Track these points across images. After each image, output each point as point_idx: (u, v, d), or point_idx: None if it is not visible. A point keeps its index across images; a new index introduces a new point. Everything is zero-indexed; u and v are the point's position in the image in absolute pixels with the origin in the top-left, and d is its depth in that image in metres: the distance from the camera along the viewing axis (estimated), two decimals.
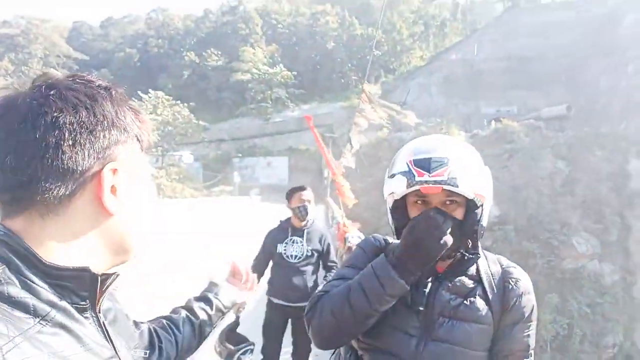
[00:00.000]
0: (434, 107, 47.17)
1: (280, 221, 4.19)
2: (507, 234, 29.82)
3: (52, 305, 0.61)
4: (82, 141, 0.66)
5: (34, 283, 0.61)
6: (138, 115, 0.76)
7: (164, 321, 1.18)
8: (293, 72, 70.10)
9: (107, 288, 0.72)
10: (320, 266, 4.14)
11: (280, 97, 68.47)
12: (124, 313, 0.87)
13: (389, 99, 37.80)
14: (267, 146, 67.46)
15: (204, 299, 1.29)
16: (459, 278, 1.40)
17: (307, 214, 3.84)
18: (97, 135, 0.67)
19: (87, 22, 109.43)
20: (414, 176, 1.30)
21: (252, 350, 3.29)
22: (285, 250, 3.85)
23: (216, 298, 1.29)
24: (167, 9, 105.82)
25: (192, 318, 1.22)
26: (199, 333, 1.22)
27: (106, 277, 0.71)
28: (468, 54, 58.02)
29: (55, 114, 0.65)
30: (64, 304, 0.63)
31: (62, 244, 0.66)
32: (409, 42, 72.00)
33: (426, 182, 1.30)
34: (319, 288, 1.48)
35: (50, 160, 0.64)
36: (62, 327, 0.62)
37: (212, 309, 1.27)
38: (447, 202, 1.35)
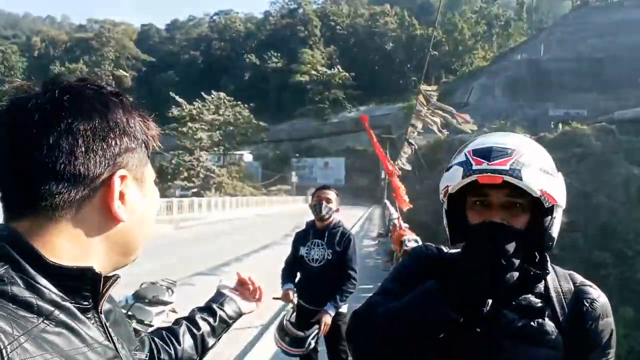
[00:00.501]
0: (498, 108, 45.70)
1: (307, 222, 3.90)
2: (576, 242, 28.33)
3: (56, 305, 0.62)
4: (94, 148, 0.67)
5: (37, 283, 0.62)
6: (146, 122, 0.77)
7: (164, 332, 1.16)
8: (351, 74, 70.19)
9: (108, 289, 0.73)
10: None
11: (338, 98, 68.74)
12: (124, 316, 0.87)
13: (449, 100, 36.95)
14: (324, 147, 67.98)
15: (207, 309, 1.26)
16: (525, 296, 1.23)
17: (320, 212, 3.55)
18: (110, 142, 0.68)
19: (155, 25, 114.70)
20: (471, 165, 1.13)
21: (318, 335, 3.40)
22: (307, 253, 3.63)
23: (220, 309, 1.26)
24: (230, 11, 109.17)
25: (193, 329, 1.19)
26: (201, 344, 1.19)
27: (108, 278, 0.73)
28: (534, 54, 55.76)
29: (69, 120, 0.66)
30: (67, 304, 0.64)
31: (67, 247, 0.67)
32: (471, 43, 70.12)
33: (484, 170, 1.11)
34: (362, 305, 1.34)
35: (62, 166, 0.64)
36: (66, 326, 0.63)
37: (215, 320, 1.23)
38: (510, 205, 1.15)
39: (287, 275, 3.80)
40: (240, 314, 1.30)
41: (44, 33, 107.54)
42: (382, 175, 42.19)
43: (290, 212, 37.94)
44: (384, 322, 1.23)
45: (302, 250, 3.67)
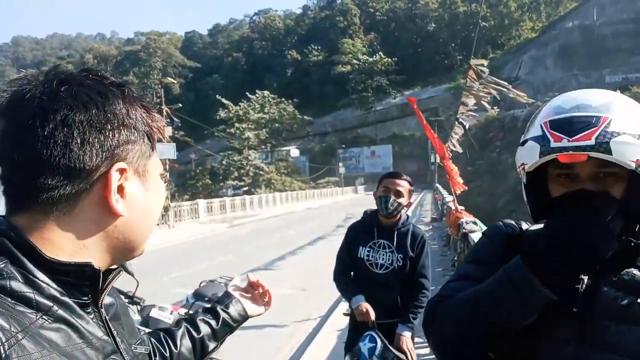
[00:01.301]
0: (550, 80, 43.65)
1: (365, 213, 3.09)
2: None
3: (54, 300, 0.62)
4: (91, 140, 0.65)
5: (36, 278, 0.62)
6: (150, 113, 0.75)
7: (161, 334, 1.11)
8: (393, 59, 68.92)
9: (109, 284, 0.73)
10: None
11: (382, 85, 67.84)
12: (126, 309, 0.86)
13: (497, 75, 35.65)
14: (370, 135, 67.42)
15: (211, 311, 1.20)
16: (627, 270, 1.04)
17: (387, 207, 2.82)
18: (107, 134, 0.67)
19: (198, 31, 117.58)
20: (549, 142, 0.97)
21: (372, 336, 2.75)
22: (369, 256, 2.90)
23: (224, 311, 1.19)
24: (268, 10, 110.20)
25: (193, 332, 1.13)
26: (200, 348, 1.13)
27: (109, 272, 0.72)
28: (587, 19, 52.70)
29: (65, 112, 0.65)
30: (65, 299, 0.64)
31: (65, 242, 0.66)
32: (517, 15, 67.19)
33: (565, 148, 0.95)
34: (437, 292, 1.19)
35: (57, 159, 0.63)
36: (65, 322, 0.62)
37: (218, 322, 1.17)
38: (602, 175, 0.97)
39: (351, 282, 3.02)
40: (246, 317, 1.23)
41: (95, 50, 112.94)
42: (432, 160, 41.40)
43: (340, 203, 38.01)
44: (466, 308, 1.09)
45: (363, 252, 2.92)
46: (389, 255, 2.91)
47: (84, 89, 0.68)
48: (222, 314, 1.18)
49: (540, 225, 1.08)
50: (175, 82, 78.97)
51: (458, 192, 8.59)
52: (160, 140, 0.78)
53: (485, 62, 8.68)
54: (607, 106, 0.97)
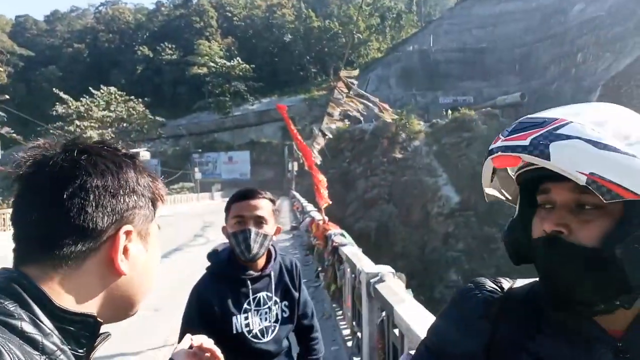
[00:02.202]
0: (393, 98, 47.61)
1: (214, 258, 2.09)
2: (468, 220, 30.59)
3: (57, 346, 0.65)
4: (104, 204, 0.71)
5: (42, 323, 0.65)
6: (155, 182, 0.82)
7: None
8: (251, 65, 69.17)
9: (100, 344, 0.76)
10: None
11: (240, 91, 67.45)
12: None
13: None
14: (227, 140, 66.39)
15: None
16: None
17: (249, 249, 1.89)
18: (119, 199, 0.73)
19: (32, 16, 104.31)
20: (490, 145, 0.83)
21: None
22: (248, 324, 1.96)
23: None
24: (117, 1, 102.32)
25: None
26: None
27: (99, 334, 0.75)
28: (424, 45, 58.81)
29: (84, 177, 0.70)
30: (66, 348, 0.67)
31: (69, 295, 0.70)
32: (365, 35, 72.32)
33: (497, 149, 0.79)
34: None
35: (72, 220, 0.69)
36: None
37: None
38: (586, 208, 0.77)
39: None
40: None
41: None
42: (289, 167, 42.29)
43: (196, 210, 36.74)
44: None
45: (239, 322, 1.93)
46: (273, 310, 2.01)
47: (101, 158, 0.73)
48: None
49: (526, 281, 0.92)
50: (1, 69, 69.02)
51: (323, 206, 8.75)
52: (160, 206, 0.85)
53: (355, 73, 9.01)
54: (579, 111, 0.79)
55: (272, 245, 2.04)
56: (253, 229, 1.89)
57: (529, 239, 0.83)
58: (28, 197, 0.71)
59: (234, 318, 1.93)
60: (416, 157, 35.91)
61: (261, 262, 2.00)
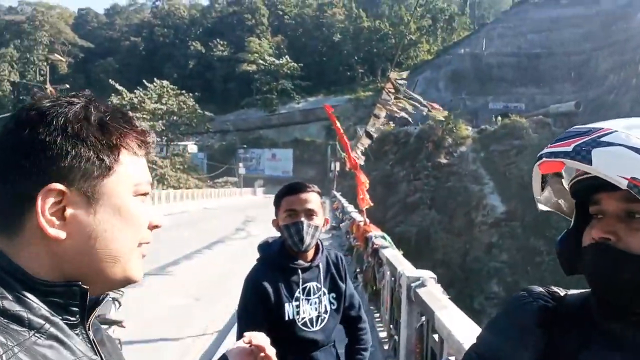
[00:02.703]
0: (441, 101, 46.57)
1: (264, 250, 2.20)
2: (514, 231, 29.71)
3: (46, 319, 0.62)
4: (19, 160, 0.64)
5: (26, 298, 0.62)
6: (106, 128, 0.70)
7: None
8: (299, 64, 69.83)
9: (94, 307, 0.72)
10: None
11: (286, 89, 68.21)
12: (113, 340, 0.86)
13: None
14: (272, 138, 67.24)
15: None
16: None
17: (302, 240, 1.99)
18: (37, 154, 0.64)
19: (93, 9, 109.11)
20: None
21: None
22: (299, 312, 2.04)
23: None
24: None
25: None
26: None
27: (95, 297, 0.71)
28: (476, 48, 57.59)
29: (6, 133, 0.66)
30: (56, 319, 0.64)
31: (35, 266, 0.65)
32: (416, 36, 71.50)
33: (543, 154, 0.82)
34: None
35: (3, 180, 0.64)
36: (57, 340, 0.62)
37: None
38: (636, 217, 0.77)
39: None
40: None
41: None
42: (332, 167, 42.37)
43: (239, 204, 37.43)
44: None
45: (290, 310, 2.01)
46: (322, 301, 2.10)
47: (33, 111, 0.66)
48: None
49: (576, 291, 0.91)
50: (63, 60, 72.35)
51: (364, 207, 8.74)
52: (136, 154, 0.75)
53: (405, 75, 8.92)
54: (628, 124, 0.79)
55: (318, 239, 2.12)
56: (305, 221, 1.97)
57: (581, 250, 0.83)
58: None
59: (286, 305, 2.01)
60: (462, 163, 35.20)
61: (310, 253, 2.09)
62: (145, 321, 5.90)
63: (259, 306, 1.98)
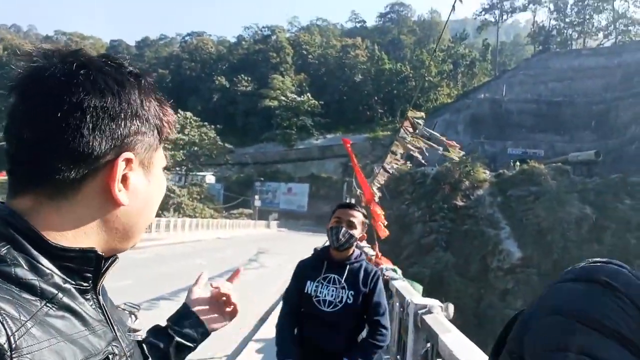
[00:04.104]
0: (459, 144, 47.01)
1: (316, 250, 3.00)
2: (530, 277, 29.10)
3: (58, 287, 0.62)
4: (102, 127, 0.64)
5: (40, 264, 0.61)
6: (163, 107, 0.75)
7: None
8: (320, 102, 71.11)
9: (107, 270, 0.73)
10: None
11: (306, 125, 69.24)
12: (113, 303, 0.85)
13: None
14: (289, 172, 67.91)
15: (163, 333, 1.06)
16: None
17: (338, 238, 2.62)
18: (119, 123, 0.66)
19: (125, 41, 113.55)
20: None
21: None
22: (316, 291, 2.64)
23: (179, 332, 1.05)
24: (202, 33, 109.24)
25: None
26: None
27: (106, 260, 0.72)
28: (496, 94, 58.02)
29: (81, 96, 0.64)
30: (68, 286, 0.63)
31: (66, 227, 0.65)
32: (436, 80, 72.46)
33: None
34: None
35: (67, 142, 0.63)
36: (68, 309, 0.62)
37: (169, 345, 1.03)
38: None
39: (286, 336, 2.70)
40: (207, 334, 1.09)
41: (7, 41, 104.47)
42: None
43: (252, 236, 37.50)
44: None
45: (310, 287, 2.66)
46: (339, 292, 2.63)
47: (102, 75, 0.67)
48: (177, 338, 1.04)
49: None
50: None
51: (382, 236, 8.79)
52: (167, 136, 0.78)
53: (422, 115, 9.10)
54: None
55: (361, 251, 2.84)
56: (344, 228, 2.65)
57: None
58: (21, 113, 0.65)
59: (308, 282, 2.69)
60: (479, 206, 34.93)
61: (345, 255, 2.72)
62: None
63: (294, 280, 2.78)
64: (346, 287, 2.63)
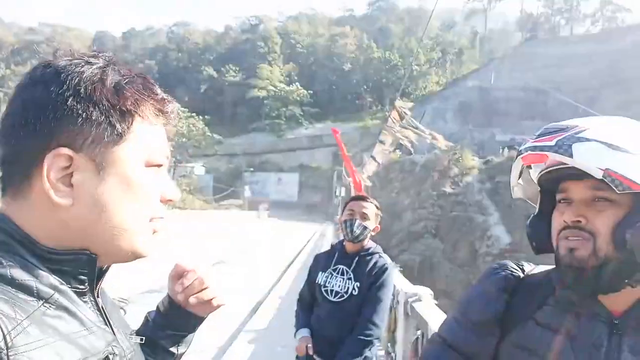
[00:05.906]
0: (448, 131, 47.04)
1: (332, 244, 3.05)
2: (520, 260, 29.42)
3: (54, 288, 0.60)
4: (30, 120, 0.60)
5: (35, 266, 0.60)
6: (121, 92, 0.65)
7: None
8: (309, 91, 70.81)
9: (105, 272, 0.71)
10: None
11: (295, 115, 68.95)
12: (116, 305, 0.83)
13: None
14: (278, 162, 67.77)
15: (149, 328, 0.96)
16: None
17: (352, 231, 2.66)
18: (47, 114, 0.60)
19: (110, 32, 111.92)
20: (521, 145, 0.96)
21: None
22: (325, 281, 2.74)
23: (161, 329, 0.95)
24: (189, 23, 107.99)
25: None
26: None
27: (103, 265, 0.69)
28: (485, 82, 58.15)
29: (20, 92, 0.62)
30: (64, 287, 0.62)
31: (41, 230, 0.62)
32: (425, 68, 72.42)
33: (527, 149, 0.92)
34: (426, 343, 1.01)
35: (10, 141, 0.61)
36: (66, 310, 0.60)
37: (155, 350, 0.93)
38: (596, 200, 0.88)
39: (303, 314, 2.87)
40: (197, 324, 0.96)
41: None
42: (337, 192, 42.45)
43: (244, 228, 37.44)
44: None
45: (321, 277, 2.78)
46: (346, 283, 2.70)
47: (50, 67, 0.63)
48: (160, 342, 0.93)
49: (544, 268, 1.04)
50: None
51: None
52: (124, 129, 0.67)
53: (409, 105, 9.08)
54: (596, 122, 0.92)
55: (375, 244, 2.84)
56: (358, 219, 2.68)
57: (549, 232, 0.96)
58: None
59: (319, 272, 2.81)
60: (467, 193, 35.10)
61: (357, 247, 2.76)
62: None
63: (312, 270, 2.91)
64: (352, 278, 2.70)
